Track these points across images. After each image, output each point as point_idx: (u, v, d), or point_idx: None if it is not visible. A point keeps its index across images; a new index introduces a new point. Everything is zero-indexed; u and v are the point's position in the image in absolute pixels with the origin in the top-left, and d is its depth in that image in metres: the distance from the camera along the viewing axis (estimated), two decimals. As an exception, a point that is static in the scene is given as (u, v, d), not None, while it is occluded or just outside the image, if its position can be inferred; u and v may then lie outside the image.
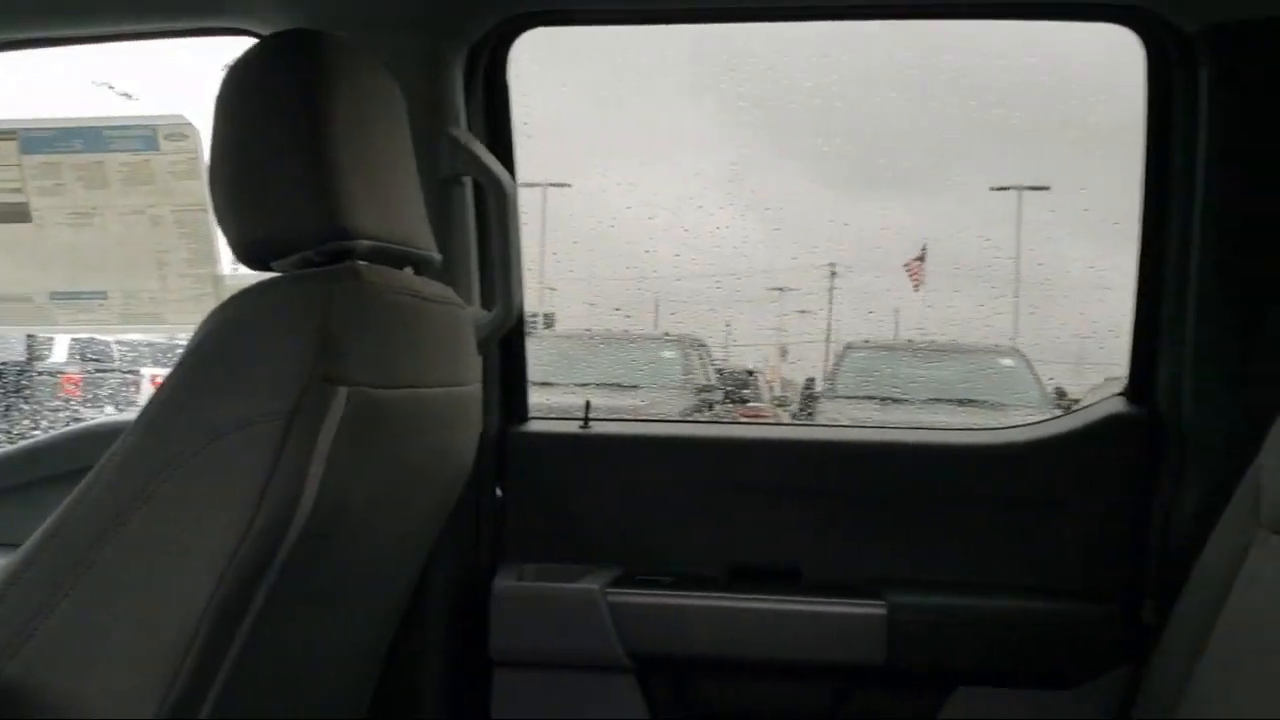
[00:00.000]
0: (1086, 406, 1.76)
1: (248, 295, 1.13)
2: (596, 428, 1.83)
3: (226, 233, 1.21)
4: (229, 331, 1.11)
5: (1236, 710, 1.22)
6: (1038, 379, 6.62)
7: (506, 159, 1.77)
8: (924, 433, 1.91)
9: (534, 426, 1.85)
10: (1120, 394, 1.74)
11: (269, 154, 1.16)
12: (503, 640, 1.70)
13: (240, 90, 1.19)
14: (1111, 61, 1.81)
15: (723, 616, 1.69)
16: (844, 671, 1.68)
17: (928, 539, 1.72)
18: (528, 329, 1.93)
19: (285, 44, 1.22)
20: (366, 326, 1.14)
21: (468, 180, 1.70)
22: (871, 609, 1.65)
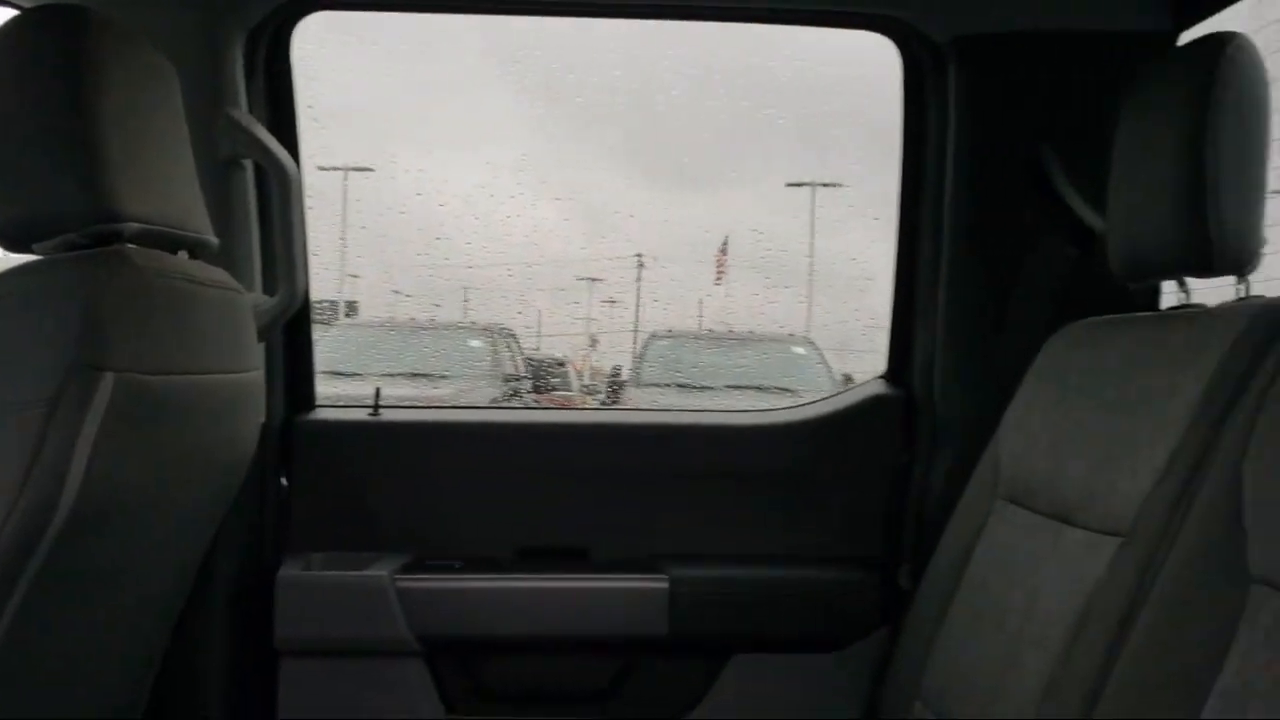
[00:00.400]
0: (850, 389, 1.88)
1: (6, 279, 1.09)
2: (386, 415, 1.83)
3: None
4: None
5: (975, 663, 1.35)
6: (827, 365, 6.97)
7: (290, 142, 1.75)
8: (703, 415, 2.00)
9: (321, 414, 1.83)
10: (881, 376, 1.87)
11: (29, 131, 1.12)
12: (288, 629, 1.68)
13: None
14: (880, 65, 1.93)
15: (511, 597, 1.73)
16: (629, 644, 1.74)
17: (708, 515, 1.81)
18: (327, 317, 1.90)
19: (48, 17, 1.17)
20: (135, 311, 1.12)
21: (249, 163, 1.67)
22: (654, 583, 1.72)
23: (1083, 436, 1.29)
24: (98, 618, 1.27)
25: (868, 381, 1.88)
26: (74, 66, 1.12)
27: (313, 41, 1.77)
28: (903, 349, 1.84)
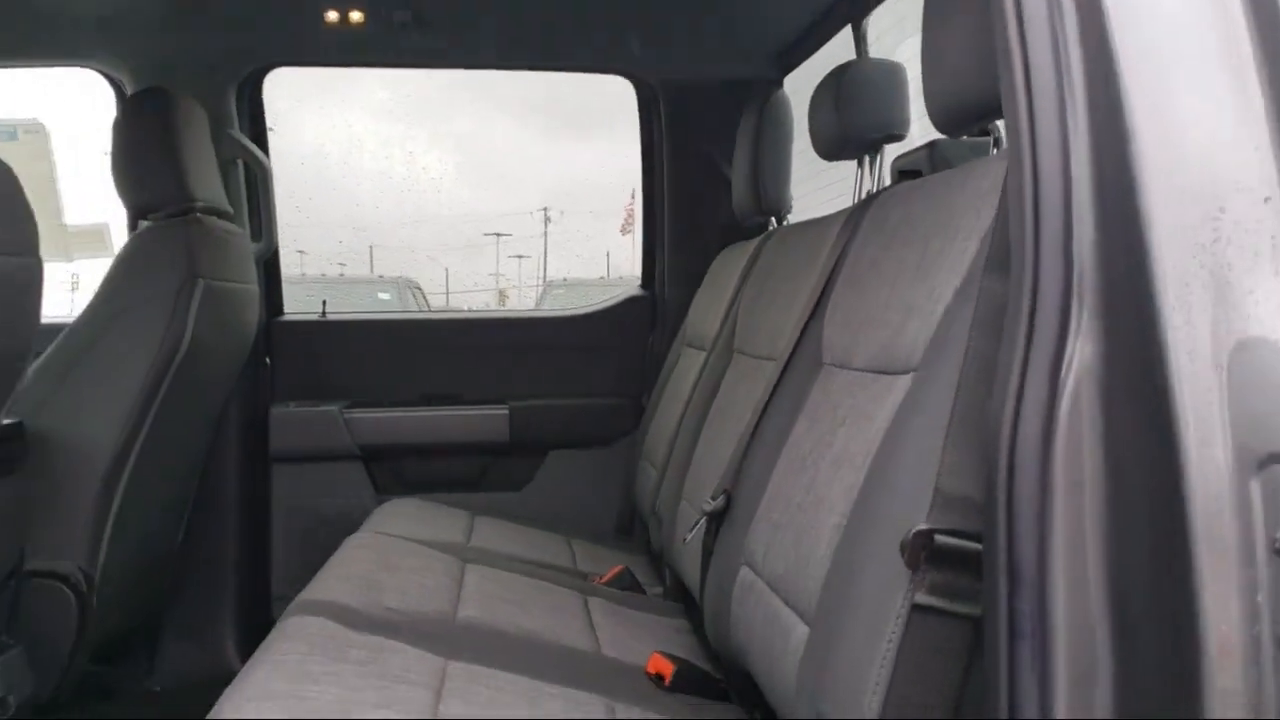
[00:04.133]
0: (621, 293, 3.03)
1: (144, 234, 2.17)
2: (331, 317, 2.93)
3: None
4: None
5: (655, 431, 2.50)
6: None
7: (264, 149, 2.81)
8: (536, 311, 3.12)
9: (289, 318, 2.92)
10: (639, 285, 3.03)
11: (150, 159, 2.19)
12: (278, 445, 2.78)
13: (129, 122, 2.20)
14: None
15: (415, 421, 2.85)
16: (486, 447, 2.88)
17: (537, 370, 2.94)
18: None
19: (147, 96, 2.23)
20: (207, 247, 2.21)
21: (240, 162, 2.74)
22: (499, 410, 2.86)
23: (717, 305, 2.44)
24: (194, 421, 2.35)
25: (630, 289, 3.04)
26: (166, 123, 2.18)
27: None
28: (650, 270, 3.00)
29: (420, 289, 13.14)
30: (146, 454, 2.11)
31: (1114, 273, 0.81)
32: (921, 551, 0.96)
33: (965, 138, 1.61)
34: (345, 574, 1.81)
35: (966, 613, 0.96)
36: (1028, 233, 0.86)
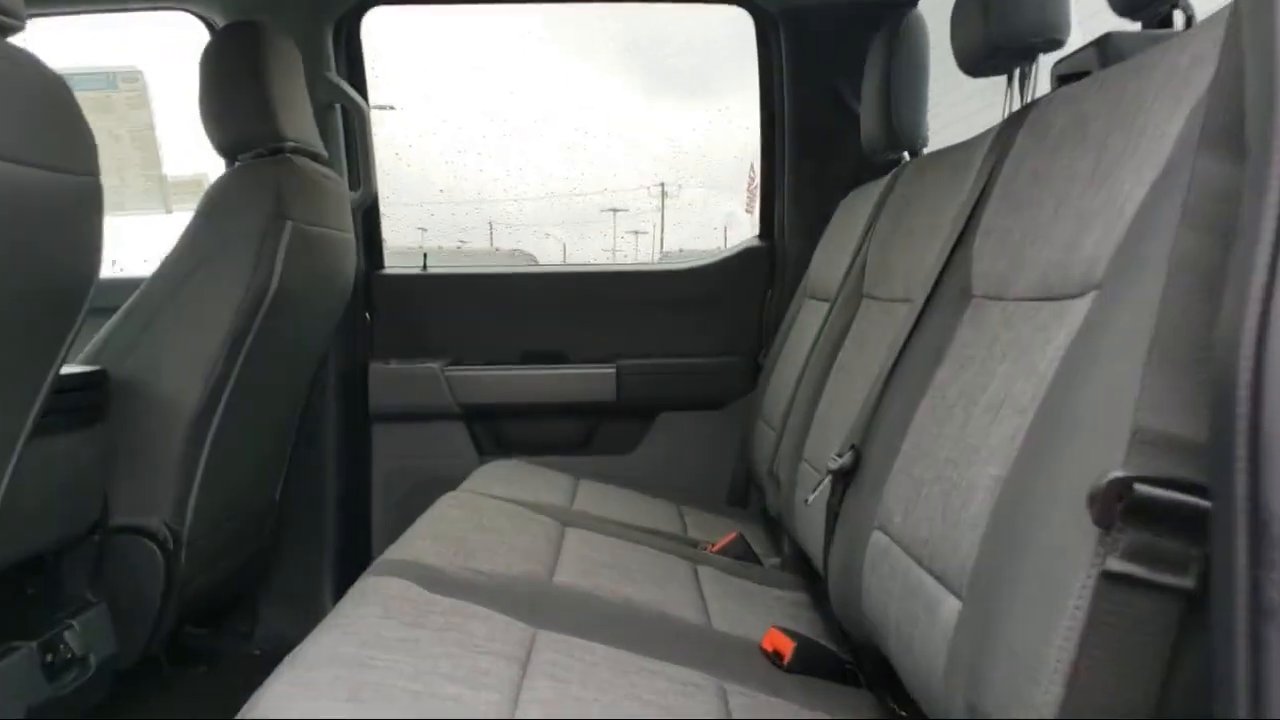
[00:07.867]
0: (738, 245, 2.82)
1: (234, 174, 2.05)
2: (431, 270, 2.80)
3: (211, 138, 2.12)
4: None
5: (774, 387, 2.29)
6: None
7: (362, 91, 2.69)
8: (641, 264, 2.93)
9: (389, 271, 2.80)
10: (756, 236, 2.82)
11: (237, 96, 2.07)
12: (377, 403, 2.66)
13: (216, 56, 2.09)
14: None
15: (518, 380, 2.70)
16: (593, 409, 2.71)
17: (646, 327, 2.76)
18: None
19: (235, 29, 2.11)
20: (299, 189, 2.08)
21: (338, 106, 2.62)
22: (606, 369, 2.69)
23: (843, 251, 2.22)
24: (288, 374, 2.24)
25: (748, 240, 2.83)
26: (255, 56, 2.06)
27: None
28: (769, 218, 2.78)
29: (535, 261, 13.07)
30: (235, 406, 2.01)
31: None
32: (1117, 504, 0.75)
33: (1143, 29, 1.37)
34: (434, 533, 1.67)
35: (1175, 584, 0.74)
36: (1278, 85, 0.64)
